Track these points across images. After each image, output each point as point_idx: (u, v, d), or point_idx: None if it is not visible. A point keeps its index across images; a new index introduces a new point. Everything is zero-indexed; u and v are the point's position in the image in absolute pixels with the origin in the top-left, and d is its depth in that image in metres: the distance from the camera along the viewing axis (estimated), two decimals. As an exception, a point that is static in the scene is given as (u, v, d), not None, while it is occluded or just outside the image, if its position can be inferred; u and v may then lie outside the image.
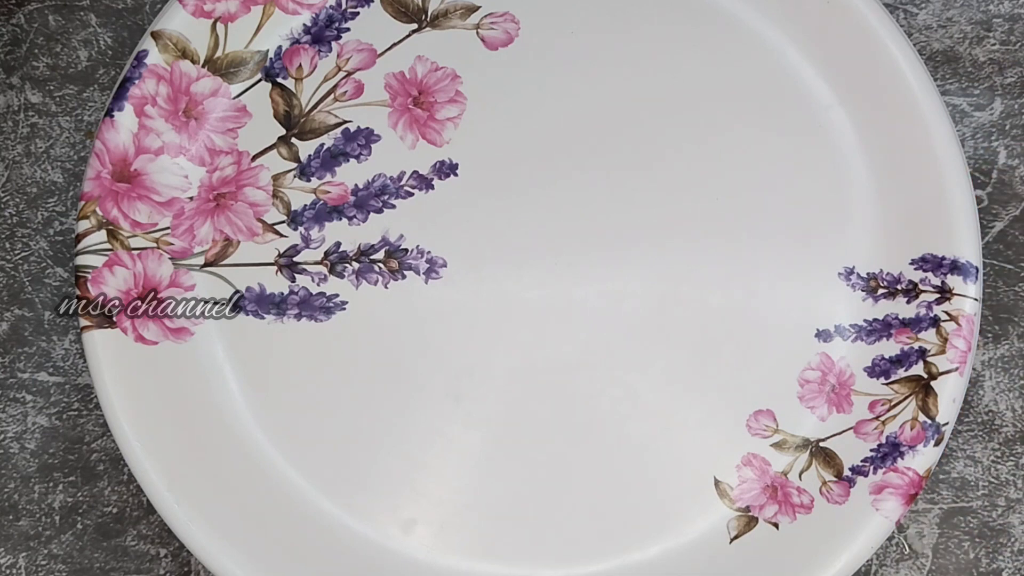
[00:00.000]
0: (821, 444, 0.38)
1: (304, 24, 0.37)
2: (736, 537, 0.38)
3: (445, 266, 0.38)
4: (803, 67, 0.38)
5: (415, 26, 0.38)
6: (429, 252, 0.38)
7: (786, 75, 0.38)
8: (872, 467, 0.37)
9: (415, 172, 0.38)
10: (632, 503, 0.38)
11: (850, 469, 0.37)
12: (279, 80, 0.37)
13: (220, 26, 0.36)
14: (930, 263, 0.37)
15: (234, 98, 0.37)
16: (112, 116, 0.36)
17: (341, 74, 0.38)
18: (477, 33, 0.38)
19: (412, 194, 0.38)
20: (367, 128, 0.38)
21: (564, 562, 0.38)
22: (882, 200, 0.38)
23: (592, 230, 0.38)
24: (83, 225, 0.36)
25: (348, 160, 0.38)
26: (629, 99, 0.38)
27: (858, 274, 0.38)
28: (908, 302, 0.37)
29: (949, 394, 0.36)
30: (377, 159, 0.38)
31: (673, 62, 0.38)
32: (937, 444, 0.36)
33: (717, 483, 0.38)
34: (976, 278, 0.36)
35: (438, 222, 0.38)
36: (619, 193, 0.38)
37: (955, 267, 0.37)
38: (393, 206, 0.38)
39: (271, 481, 0.37)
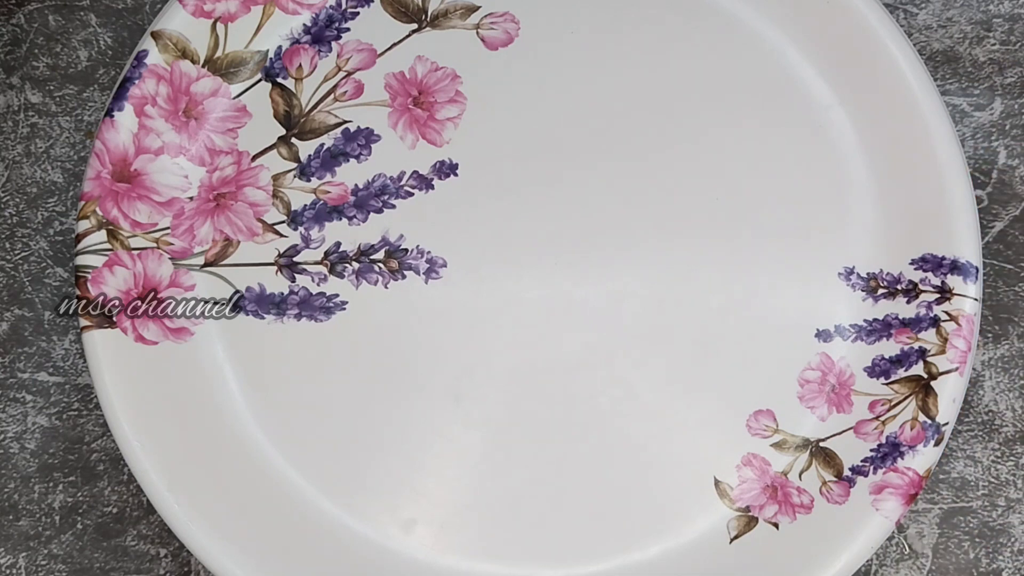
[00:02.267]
0: (821, 444, 0.38)
1: (304, 24, 0.37)
2: (736, 537, 0.38)
3: (445, 266, 0.38)
4: (803, 67, 0.38)
5: (415, 26, 0.38)
6: (429, 252, 0.38)
7: (786, 75, 0.38)
8: (872, 467, 0.37)
9: (415, 172, 0.38)
10: (632, 503, 0.38)
11: (850, 469, 0.37)
12: (279, 80, 0.37)
13: (220, 26, 0.36)
14: (930, 263, 0.37)
15: (234, 98, 0.37)
16: (112, 116, 0.36)
17: (341, 74, 0.38)
18: (477, 33, 0.38)
19: (412, 194, 0.38)
20: (367, 128, 0.38)
21: (564, 562, 0.38)
22: (882, 200, 0.38)
23: (592, 230, 0.38)
24: (83, 225, 0.36)
25: (348, 160, 0.38)
26: (628, 99, 0.38)
27: (858, 274, 0.38)
28: (908, 302, 0.37)
29: (949, 394, 0.37)
30: (377, 159, 0.38)
31: (673, 62, 0.38)
32: (937, 444, 0.37)
33: (717, 483, 0.38)
34: (976, 278, 0.36)
35: (438, 222, 0.38)
36: (618, 193, 0.38)
37: (955, 267, 0.37)
38: (393, 206, 0.38)
39: (271, 481, 0.37)
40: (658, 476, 0.38)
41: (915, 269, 0.37)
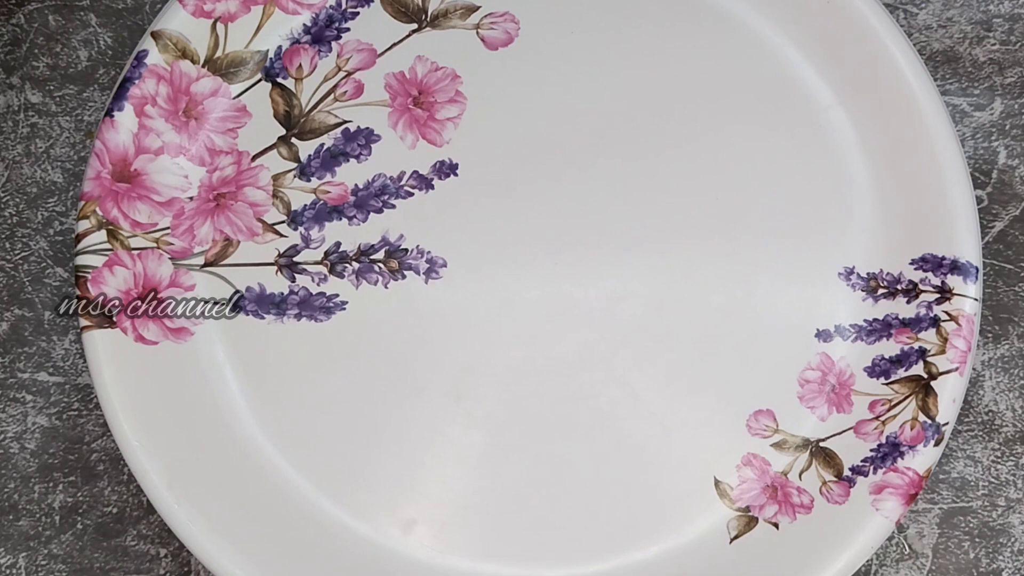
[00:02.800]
0: (821, 444, 0.38)
1: (304, 24, 0.37)
2: (736, 537, 0.38)
3: (445, 266, 0.38)
4: (803, 67, 0.38)
5: (415, 26, 0.38)
6: (429, 252, 0.38)
7: (786, 75, 0.38)
8: (872, 467, 0.37)
9: (415, 172, 0.38)
10: (632, 503, 0.38)
11: (850, 469, 0.37)
12: (279, 80, 0.37)
13: (220, 26, 0.36)
14: (930, 263, 0.37)
15: (234, 98, 0.37)
16: (112, 116, 0.36)
17: (341, 74, 0.37)
18: (477, 33, 0.38)
19: (412, 194, 0.38)
20: (367, 128, 0.38)
21: (564, 562, 0.38)
22: (882, 200, 0.38)
23: (592, 230, 0.38)
24: (83, 225, 0.36)
25: (348, 160, 0.38)
26: (628, 99, 0.38)
27: (858, 274, 0.38)
28: (908, 302, 0.37)
29: (949, 394, 0.36)
30: (377, 159, 0.38)
31: (673, 62, 0.38)
32: (937, 444, 0.36)
33: (717, 483, 0.38)
34: (976, 278, 0.36)
35: (438, 222, 0.38)
36: (618, 193, 0.38)
37: (955, 267, 0.37)
38: (393, 206, 0.38)
39: (271, 481, 0.37)
40: (658, 476, 0.38)
41: (915, 269, 0.37)
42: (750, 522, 0.38)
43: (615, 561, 0.38)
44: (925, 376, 0.37)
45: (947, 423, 0.36)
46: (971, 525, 0.40)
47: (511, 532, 0.38)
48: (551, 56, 0.38)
